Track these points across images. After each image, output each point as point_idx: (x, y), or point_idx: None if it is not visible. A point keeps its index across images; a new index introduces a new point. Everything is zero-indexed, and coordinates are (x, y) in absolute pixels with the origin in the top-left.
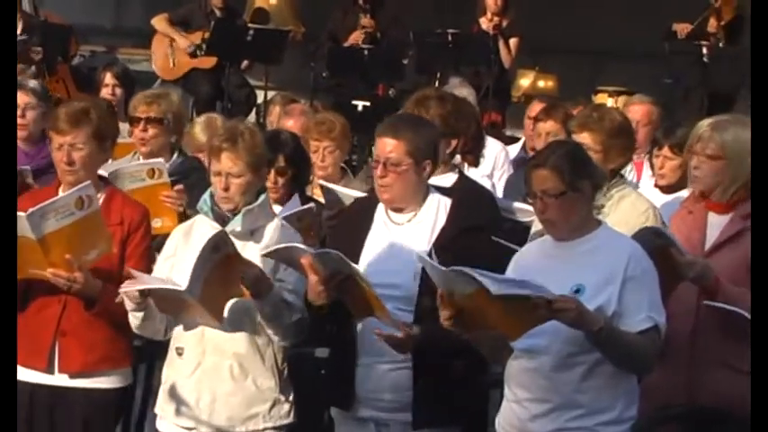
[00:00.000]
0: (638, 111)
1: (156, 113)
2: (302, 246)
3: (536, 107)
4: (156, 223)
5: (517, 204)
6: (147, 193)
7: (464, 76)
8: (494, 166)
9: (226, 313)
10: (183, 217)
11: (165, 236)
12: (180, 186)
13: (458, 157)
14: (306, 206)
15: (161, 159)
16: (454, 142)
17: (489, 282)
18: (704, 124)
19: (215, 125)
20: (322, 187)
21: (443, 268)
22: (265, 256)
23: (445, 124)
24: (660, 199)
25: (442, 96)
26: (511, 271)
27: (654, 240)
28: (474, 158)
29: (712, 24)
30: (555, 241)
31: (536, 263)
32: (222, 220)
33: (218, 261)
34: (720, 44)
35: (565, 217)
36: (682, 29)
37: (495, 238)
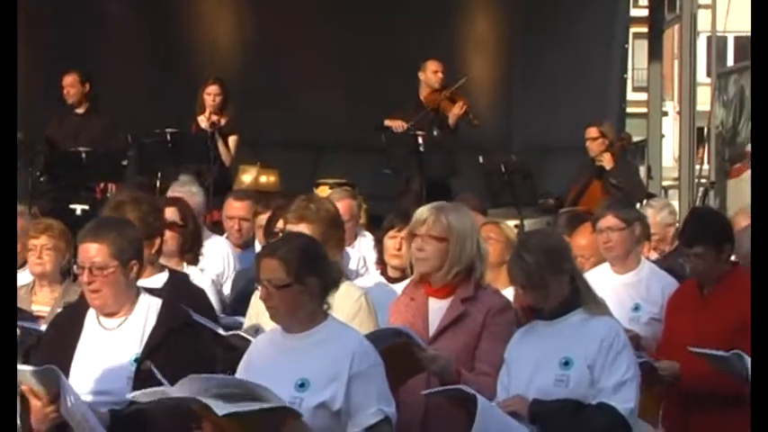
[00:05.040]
0: (339, 206)
1: None
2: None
3: (233, 203)
4: None
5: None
6: None
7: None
8: (224, 267)
9: None
10: None
11: None
12: None
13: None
14: None
15: None
16: (157, 242)
17: (213, 403)
18: (426, 208)
19: None
20: None
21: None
22: None
23: (145, 225)
24: (379, 282)
25: (136, 199)
26: (243, 363)
27: (394, 338)
28: (193, 257)
29: (459, 107)
30: (283, 332)
31: (266, 355)
32: None
33: None
34: (435, 133)
35: (287, 308)
36: (396, 125)
37: (198, 320)
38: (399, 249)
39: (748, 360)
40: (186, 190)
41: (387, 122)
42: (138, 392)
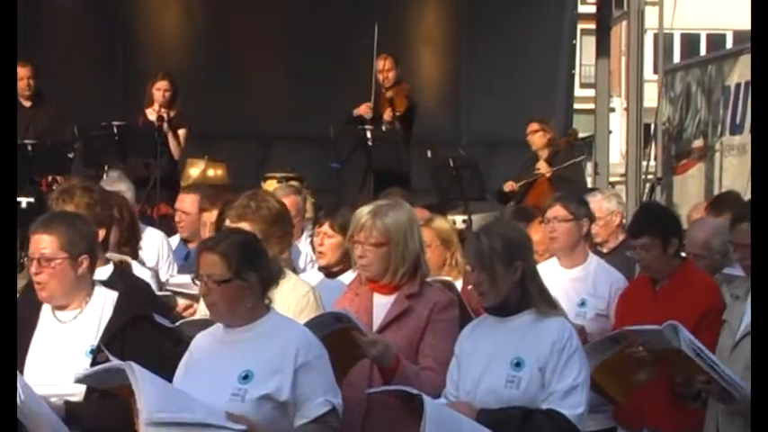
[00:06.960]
0: (286, 203)
1: None
2: None
3: (186, 198)
4: None
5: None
6: None
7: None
8: (158, 257)
9: None
10: None
11: None
12: None
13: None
14: None
15: None
16: (102, 232)
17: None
18: (363, 212)
19: None
20: None
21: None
22: None
23: (92, 214)
24: (320, 279)
25: (87, 187)
26: (185, 360)
27: (334, 324)
28: (131, 250)
29: (388, 114)
30: (225, 327)
31: (208, 349)
32: None
33: None
34: (383, 128)
35: (227, 303)
36: (362, 110)
37: (159, 321)
38: (321, 245)
39: (683, 331)
40: (116, 187)
41: (355, 112)
42: (84, 371)
